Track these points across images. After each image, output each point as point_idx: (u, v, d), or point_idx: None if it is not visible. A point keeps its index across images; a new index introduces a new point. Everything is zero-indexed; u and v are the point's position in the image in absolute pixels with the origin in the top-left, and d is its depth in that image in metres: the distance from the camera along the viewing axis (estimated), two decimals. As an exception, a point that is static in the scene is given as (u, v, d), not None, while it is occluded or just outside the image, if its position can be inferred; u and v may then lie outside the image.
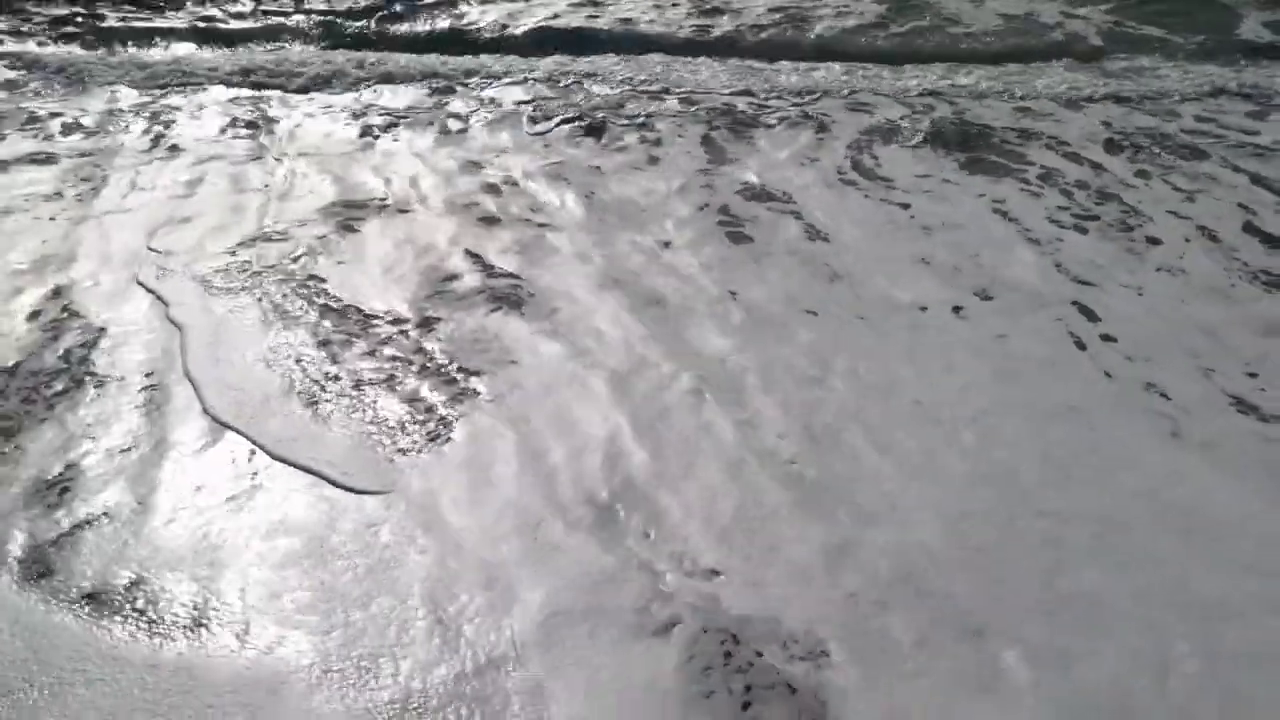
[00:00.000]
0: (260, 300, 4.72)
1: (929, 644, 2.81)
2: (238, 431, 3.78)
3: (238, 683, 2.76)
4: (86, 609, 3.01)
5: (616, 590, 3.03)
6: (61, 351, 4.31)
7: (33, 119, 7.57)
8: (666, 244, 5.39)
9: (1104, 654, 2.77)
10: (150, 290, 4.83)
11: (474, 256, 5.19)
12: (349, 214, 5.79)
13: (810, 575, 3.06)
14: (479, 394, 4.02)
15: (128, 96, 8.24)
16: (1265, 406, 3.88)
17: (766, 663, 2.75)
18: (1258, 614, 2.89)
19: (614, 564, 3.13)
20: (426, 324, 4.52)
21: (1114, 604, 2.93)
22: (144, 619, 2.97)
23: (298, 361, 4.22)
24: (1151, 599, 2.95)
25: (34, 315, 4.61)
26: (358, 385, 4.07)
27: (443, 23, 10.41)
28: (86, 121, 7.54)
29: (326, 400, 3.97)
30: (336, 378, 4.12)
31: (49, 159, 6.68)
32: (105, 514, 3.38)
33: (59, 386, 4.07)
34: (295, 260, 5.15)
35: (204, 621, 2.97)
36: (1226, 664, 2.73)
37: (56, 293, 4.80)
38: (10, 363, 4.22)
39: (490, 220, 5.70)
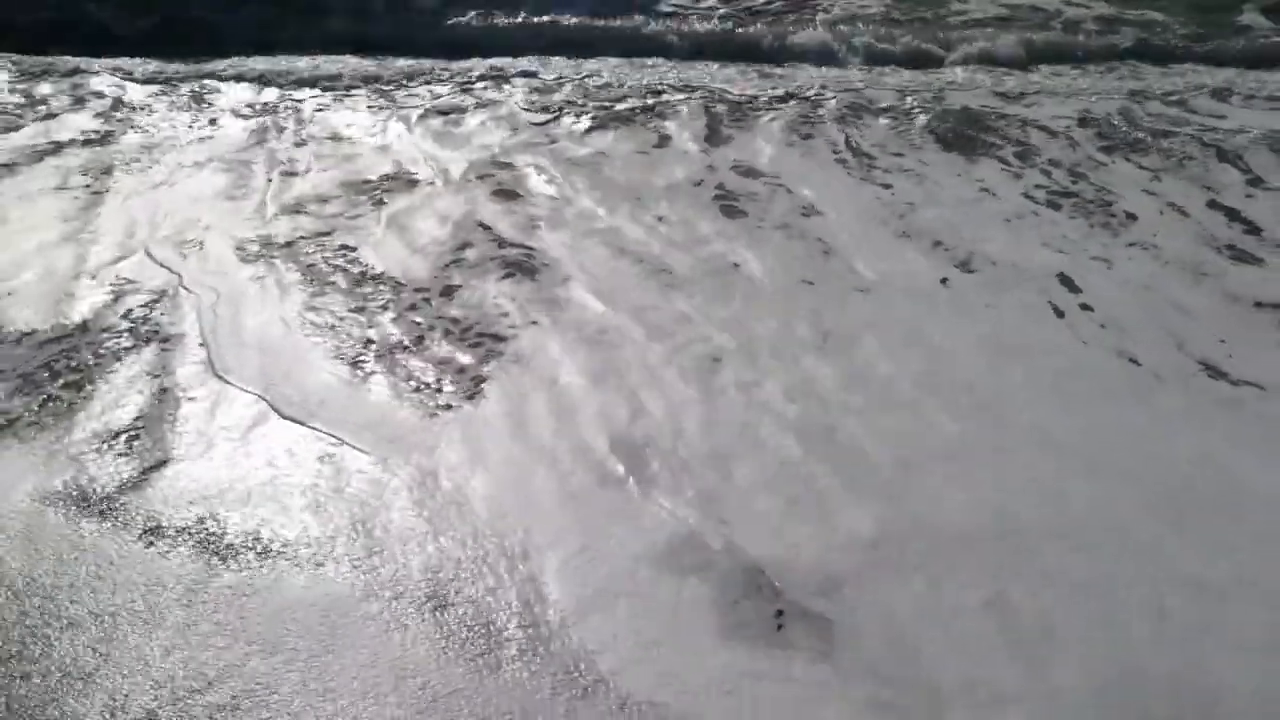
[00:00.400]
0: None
1: (929, 578, 3.11)
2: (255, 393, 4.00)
3: (296, 606, 3.00)
4: (153, 540, 3.23)
5: (648, 536, 3.29)
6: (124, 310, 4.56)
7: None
8: (660, 219, 5.65)
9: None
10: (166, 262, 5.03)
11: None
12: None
13: (829, 522, 3.34)
14: (502, 355, 4.26)
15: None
16: (1232, 371, 4.21)
17: (793, 595, 3.03)
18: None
19: (644, 512, 3.39)
20: (448, 291, 4.77)
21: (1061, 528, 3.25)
22: (204, 550, 3.20)
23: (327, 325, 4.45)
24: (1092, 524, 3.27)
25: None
26: (384, 347, 4.30)
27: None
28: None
29: (353, 361, 4.20)
30: (367, 341, 4.35)
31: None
32: (154, 462, 3.59)
33: (108, 348, 4.27)
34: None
35: (261, 553, 3.19)
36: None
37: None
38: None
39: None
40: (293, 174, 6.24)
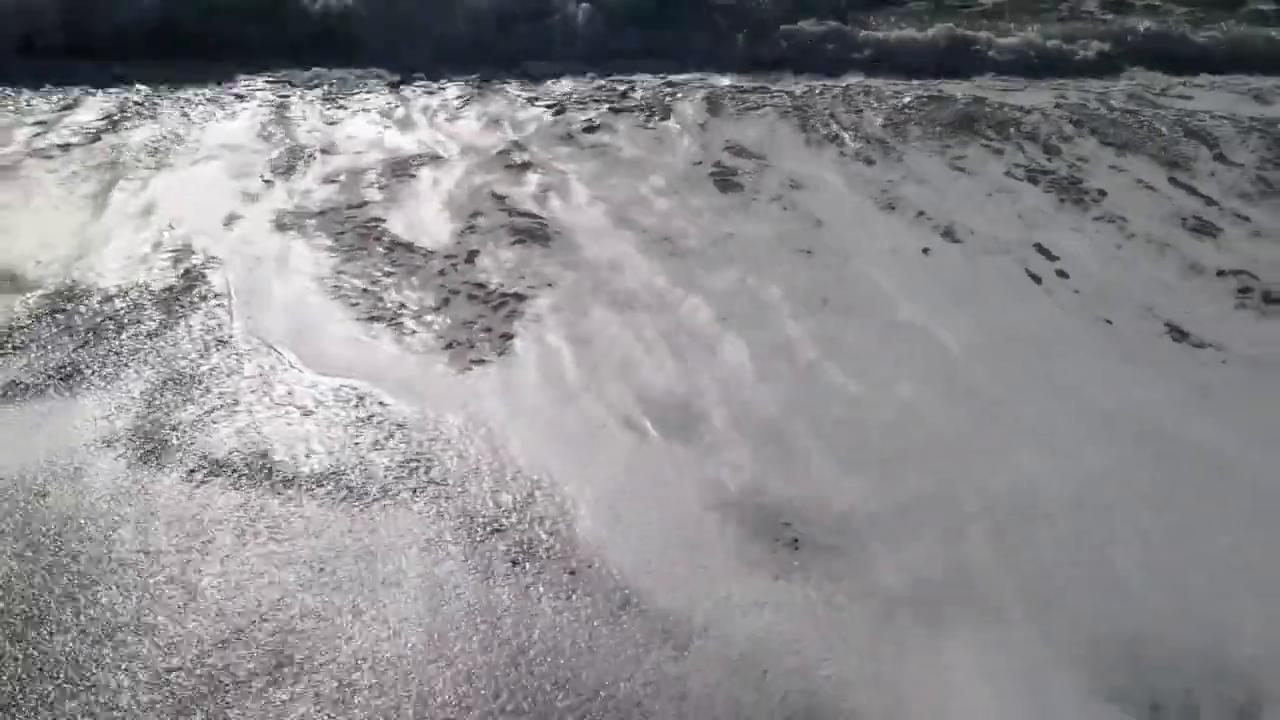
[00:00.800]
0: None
1: (923, 504, 3.47)
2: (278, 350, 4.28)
3: (343, 538, 3.30)
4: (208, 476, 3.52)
5: (672, 478, 3.62)
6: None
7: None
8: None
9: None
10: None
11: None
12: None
13: (840, 462, 3.69)
14: (522, 314, 4.56)
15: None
16: (1193, 332, 4.61)
17: (809, 527, 3.38)
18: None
19: (668, 457, 3.72)
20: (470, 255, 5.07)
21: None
22: (256, 487, 3.50)
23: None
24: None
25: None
26: (410, 306, 4.59)
27: None
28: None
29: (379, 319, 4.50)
30: (393, 300, 4.64)
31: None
32: (204, 409, 3.87)
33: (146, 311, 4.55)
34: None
35: (308, 490, 3.49)
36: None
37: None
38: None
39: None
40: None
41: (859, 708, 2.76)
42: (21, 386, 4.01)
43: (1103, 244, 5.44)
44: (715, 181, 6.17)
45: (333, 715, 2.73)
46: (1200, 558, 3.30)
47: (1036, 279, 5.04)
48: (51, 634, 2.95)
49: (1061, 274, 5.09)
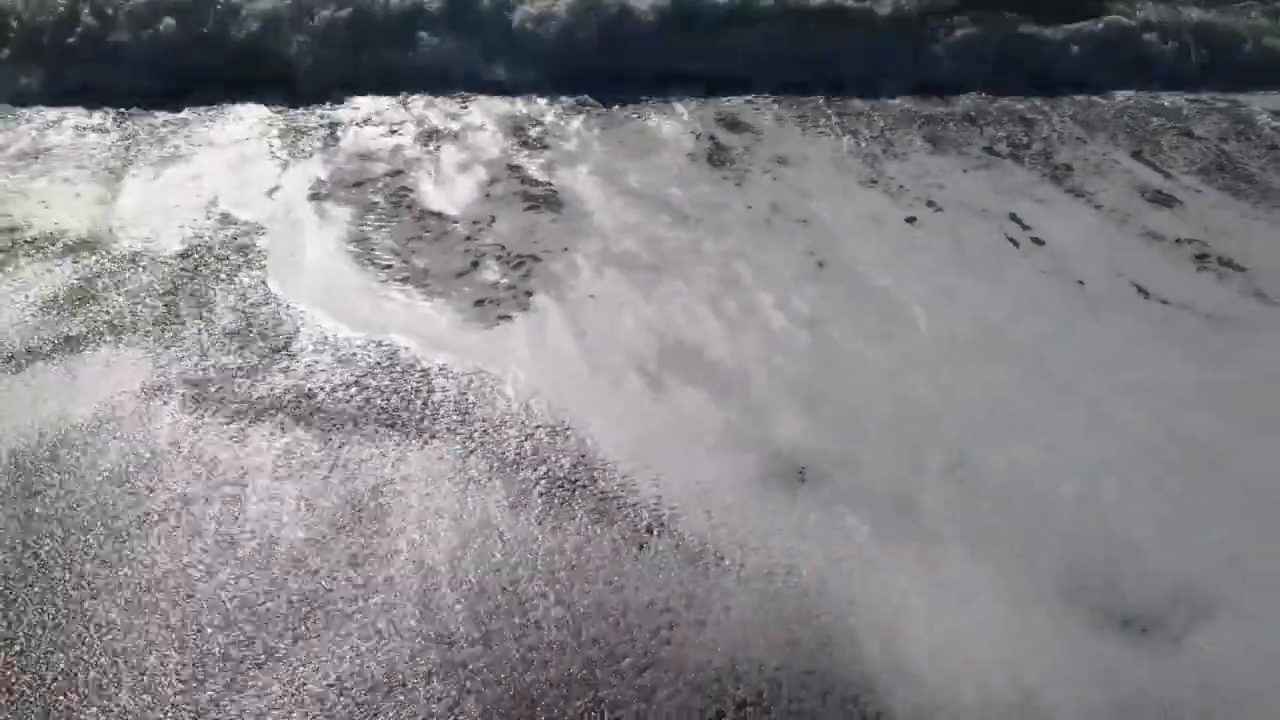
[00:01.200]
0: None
1: (915, 444, 3.87)
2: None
3: (380, 470, 3.65)
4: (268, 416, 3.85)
5: (689, 420, 3.99)
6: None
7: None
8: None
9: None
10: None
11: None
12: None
13: (841, 408, 4.08)
14: (540, 275, 4.90)
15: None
16: (1155, 290, 5.04)
17: (818, 466, 3.77)
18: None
19: (683, 403, 4.08)
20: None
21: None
22: (298, 427, 3.83)
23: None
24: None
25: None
26: (435, 267, 4.92)
27: None
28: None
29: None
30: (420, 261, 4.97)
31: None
32: (245, 360, 4.20)
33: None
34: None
35: (348, 429, 3.83)
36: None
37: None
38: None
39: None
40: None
41: (858, 622, 3.16)
42: (77, 339, 4.32)
43: (1074, 212, 5.87)
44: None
45: (384, 626, 3.09)
46: (1137, 477, 3.74)
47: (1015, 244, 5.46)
48: (120, 553, 3.30)
49: (1037, 240, 5.51)
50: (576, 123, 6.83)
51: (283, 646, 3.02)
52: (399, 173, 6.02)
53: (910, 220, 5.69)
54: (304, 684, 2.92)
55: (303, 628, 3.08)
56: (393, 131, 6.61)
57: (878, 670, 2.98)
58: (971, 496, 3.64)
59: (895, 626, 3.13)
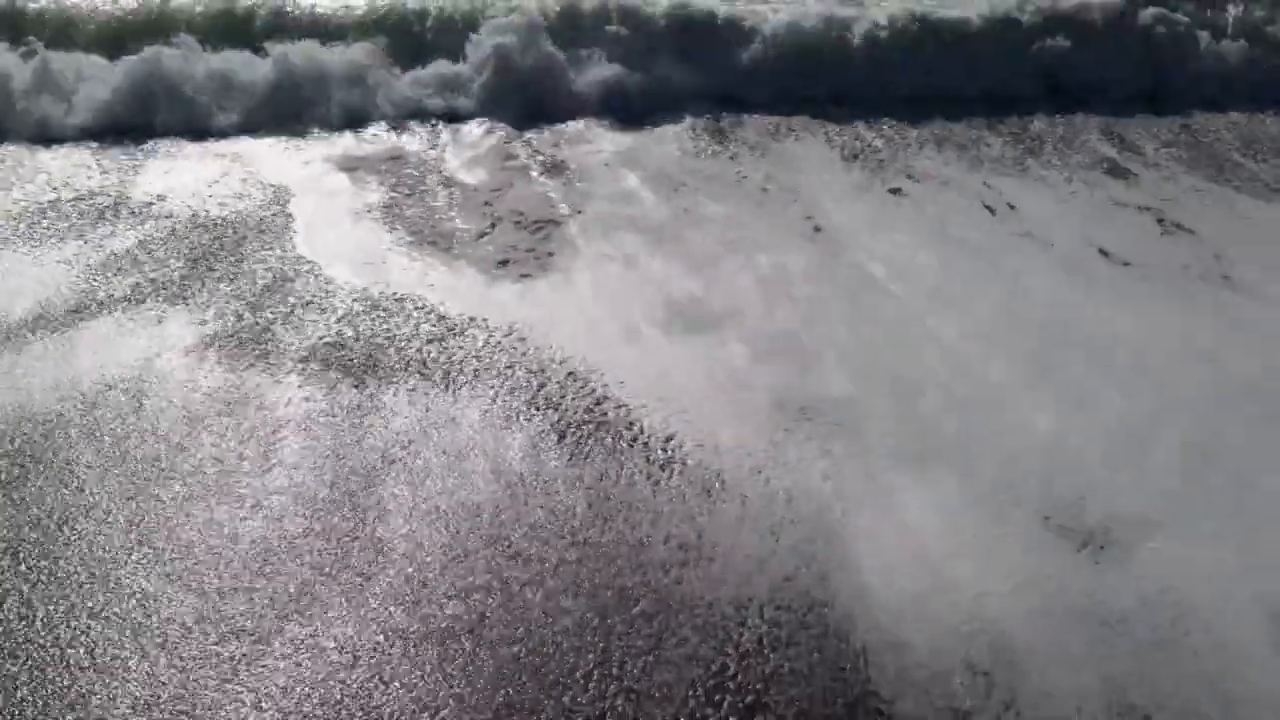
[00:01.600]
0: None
1: (897, 397, 4.33)
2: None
3: (418, 410, 4.08)
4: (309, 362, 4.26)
5: (700, 366, 4.43)
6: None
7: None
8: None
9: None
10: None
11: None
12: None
13: (840, 356, 4.55)
14: (556, 238, 5.33)
15: None
16: (1114, 251, 5.53)
17: (816, 405, 4.23)
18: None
19: (695, 351, 4.52)
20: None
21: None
22: (339, 378, 4.26)
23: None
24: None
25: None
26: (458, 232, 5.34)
27: None
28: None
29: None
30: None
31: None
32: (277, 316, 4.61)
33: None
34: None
35: (383, 379, 4.25)
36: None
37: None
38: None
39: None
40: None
41: (851, 544, 3.61)
42: (133, 298, 4.72)
43: (1046, 183, 6.34)
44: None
45: (418, 554, 3.50)
46: (1097, 415, 4.24)
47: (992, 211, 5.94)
48: (166, 484, 3.73)
49: (1011, 207, 6.00)
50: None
51: (333, 560, 3.41)
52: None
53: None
54: (357, 594, 3.32)
55: (346, 550, 3.46)
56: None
57: (862, 576, 3.41)
58: (950, 430, 4.10)
59: (879, 539, 3.56)
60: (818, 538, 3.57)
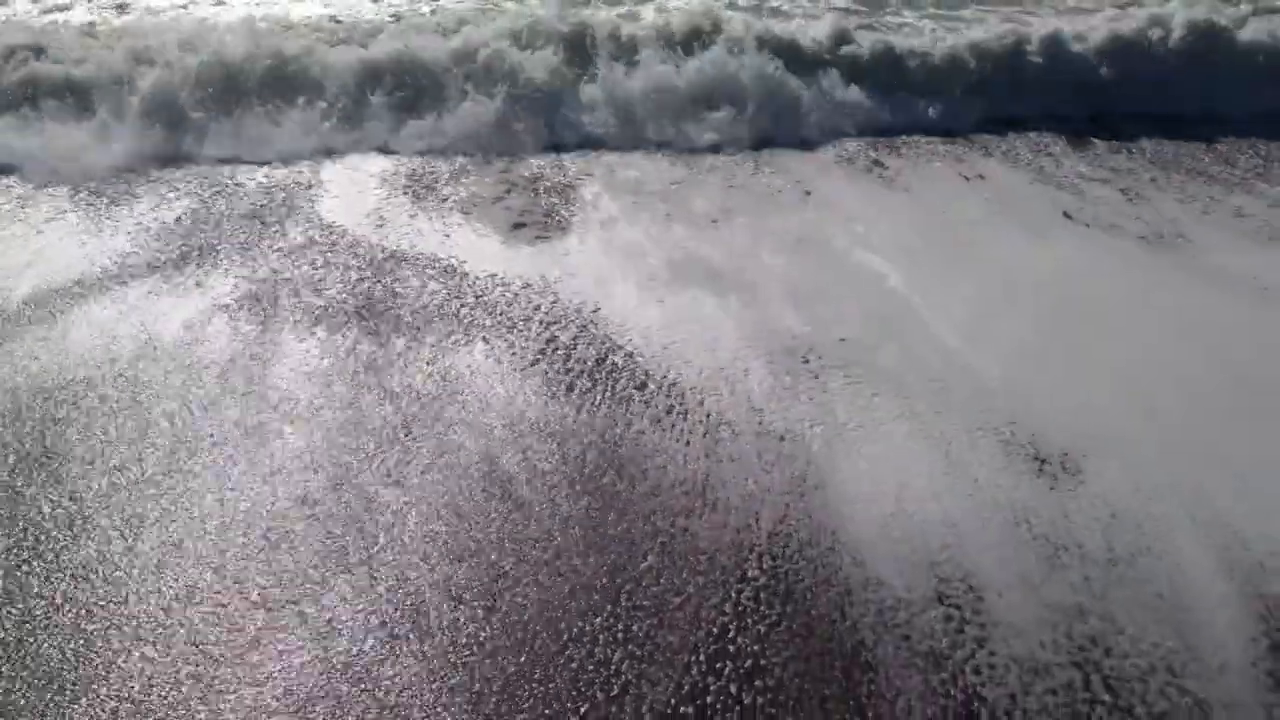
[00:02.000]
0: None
1: (898, 334, 4.80)
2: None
3: (440, 362, 4.51)
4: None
5: (709, 317, 4.87)
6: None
7: None
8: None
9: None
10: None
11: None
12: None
13: (835, 310, 5.01)
14: (570, 201, 5.78)
15: None
16: (1078, 216, 6.05)
17: (818, 350, 4.69)
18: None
19: (703, 304, 4.97)
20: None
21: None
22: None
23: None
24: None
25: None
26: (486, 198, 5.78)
27: None
28: None
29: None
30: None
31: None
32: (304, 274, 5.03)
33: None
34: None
35: (412, 333, 4.67)
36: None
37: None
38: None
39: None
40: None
41: (843, 471, 4.07)
42: (170, 261, 5.12)
43: (1019, 157, 6.86)
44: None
45: (439, 490, 3.92)
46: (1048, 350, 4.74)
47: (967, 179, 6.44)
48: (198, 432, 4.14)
49: (980, 177, 6.51)
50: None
51: (373, 490, 3.82)
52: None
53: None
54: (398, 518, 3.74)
55: (378, 487, 3.87)
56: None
57: (841, 502, 3.84)
58: (931, 369, 4.57)
59: (860, 471, 3.99)
60: (808, 473, 3.95)
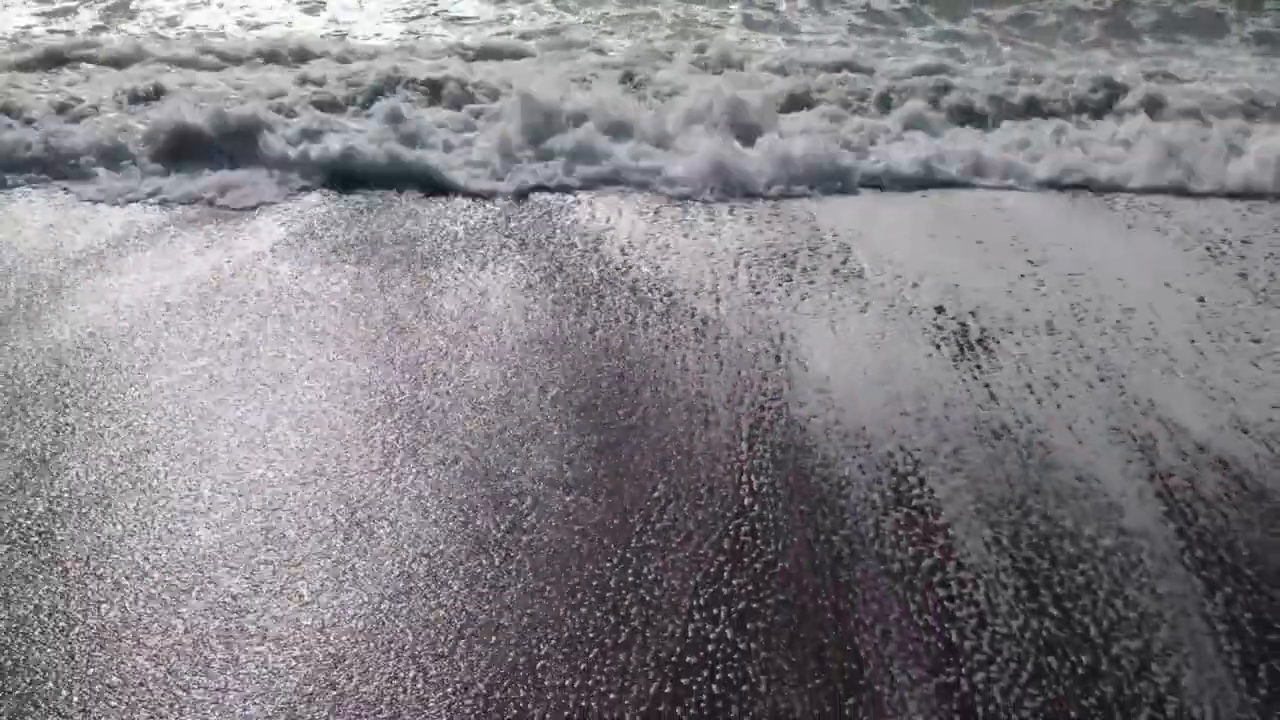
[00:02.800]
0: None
1: (899, 315, 5.31)
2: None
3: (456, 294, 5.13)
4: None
5: (705, 234, 5.52)
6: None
7: None
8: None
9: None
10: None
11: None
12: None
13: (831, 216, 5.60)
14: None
15: None
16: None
17: (812, 263, 5.27)
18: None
19: (703, 226, 5.64)
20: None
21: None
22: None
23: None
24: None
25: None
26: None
27: None
28: None
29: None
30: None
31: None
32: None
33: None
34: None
35: (439, 290, 5.29)
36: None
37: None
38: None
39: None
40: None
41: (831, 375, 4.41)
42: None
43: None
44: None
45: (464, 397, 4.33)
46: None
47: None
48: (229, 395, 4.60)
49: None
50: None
51: (401, 415, 4.22)
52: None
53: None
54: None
55: (415, 405, 4.15)
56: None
57: (800, 382, 4.27)
58: (888, 277, 5.20)
59: (822, 354, 4.48)
60: (783, 356, 4.47)
